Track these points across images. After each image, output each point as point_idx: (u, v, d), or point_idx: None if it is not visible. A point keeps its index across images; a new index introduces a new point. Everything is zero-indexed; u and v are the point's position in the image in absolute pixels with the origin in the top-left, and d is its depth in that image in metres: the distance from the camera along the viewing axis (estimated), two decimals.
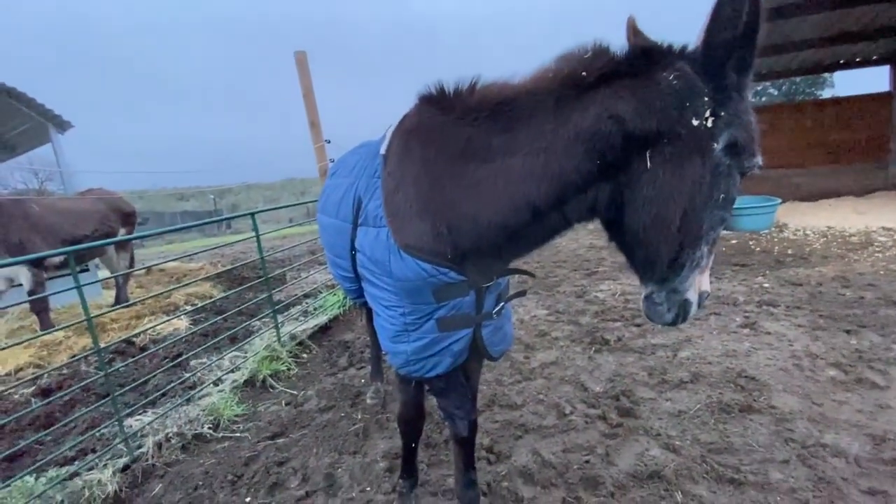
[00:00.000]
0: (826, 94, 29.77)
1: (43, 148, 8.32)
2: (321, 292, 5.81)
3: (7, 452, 2.71)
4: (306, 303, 5.59)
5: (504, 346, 1.88)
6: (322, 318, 4.94)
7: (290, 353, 4.16)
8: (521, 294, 1.92)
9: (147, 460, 2.76)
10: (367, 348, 4.22)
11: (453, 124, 1.45)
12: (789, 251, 6.16)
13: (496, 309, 1.73)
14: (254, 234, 4.22)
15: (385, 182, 1.62)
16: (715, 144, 1.14)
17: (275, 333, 4.26)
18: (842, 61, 11.18)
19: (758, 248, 6.49)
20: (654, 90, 1.16)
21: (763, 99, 32.56)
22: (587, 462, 2.40)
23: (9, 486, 2.42)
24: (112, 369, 2.87)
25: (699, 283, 1.30)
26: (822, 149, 10.54)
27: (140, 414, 3.20)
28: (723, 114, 1.12)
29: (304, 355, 4.26)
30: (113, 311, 4.61)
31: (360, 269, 1.78)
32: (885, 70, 10.51)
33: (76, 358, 3.19)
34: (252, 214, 4.14)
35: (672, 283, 1.29)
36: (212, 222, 4.97)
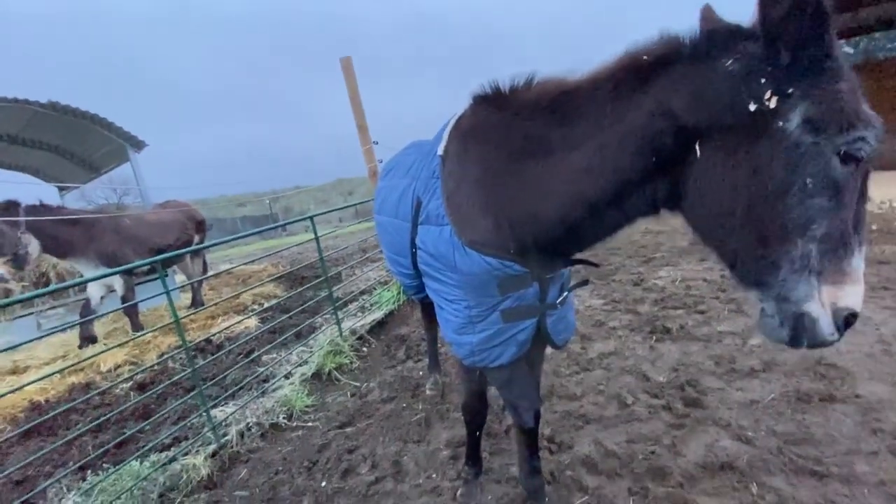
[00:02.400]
0: None
1: (121, 167, 9.15)
2: (376, 289, 6.02)
3: (116, 440, 3.07)
4: (363, 299, 5.81)
5: (567, 335, 1.90)
6: (378, 314, 5.13)
7: (352, 347, 4.36)
8: (584, 283, 1.93)
9: (232, 447, 3.02)
10: (422, 341, 4.35)
11: (511, 121, 1.49)
12: (873, 226, 5.63)
13: (560, 298, 1.76)
14: (311, 236, 4.45)
15: (445, 182, 1.68)
16: (783, 124, 1.04)
17: (336, 329, 4.48)
18: None
19: None
20: (710, 78, 1.11)
21: None
22: (653, 453, 2.36)
23: (119, 469, 2.75)
24: (197, 366, 3.16)
25: (830, 294, 1.07)
26: None
27: (223, 405, 3.50)
28: (791, 90, 1.02)
29: (364, 349, 4.46)
30: (195, 313, 5.04)
31: (422, 265, 1.85)
32: None
33: (165, 356, 3.55)
34: (311, 218, 4.36)
35: (776, 290, 1.12)
36: (273, 228, 5.29)
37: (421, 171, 1.87)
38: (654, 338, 3.59)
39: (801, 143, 1.03)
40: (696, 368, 3.05)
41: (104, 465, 3.00)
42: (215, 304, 5.95)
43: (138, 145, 7.81)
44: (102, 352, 3.59)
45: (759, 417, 2.47)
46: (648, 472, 2.23)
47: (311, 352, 4.24)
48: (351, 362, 4.14)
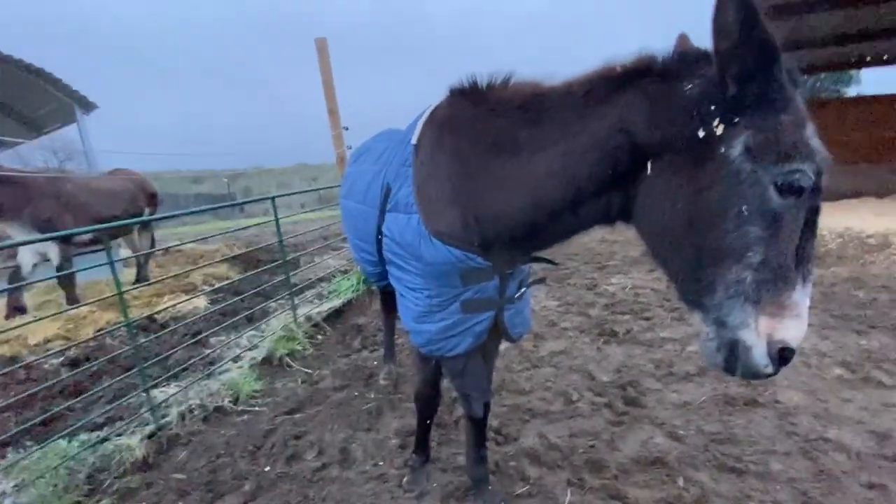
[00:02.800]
0: (852, 91, 28.99)
1: (65, 128, 8.50)
2: (335, 277, 5.93)
3: (41, 417, 2.87)
4: (321, 286, 5.72)
5: (523, 329, 1.96)
6: (336, 302, 5.06)
7: (306, 334, 4.29)
8: (541, 281, 2.00)
9: (171, 429, 2.90)
10: (379, 332, 4.33)
11: (485, 117, 1.52)
12: None
13: (518, 293, 1.81)
14: (269, 218, 4.32)
15: (417, 171, 1.69)
16: (726, 151, 1.06)
17: (290, 314, 4.38)
18: (867, 58, 10.92)
19: None
20: (669, 99, 1.15)
21: None
22: (592, 447, 2.48)
23: (44, 447, 2.58)
24: (139, 343, 3.01)
25: (767, 325, 1.07)
26: (844, 148, 10.31)
27: (164, 386, 3.35)
28: (737, 119, 1.05)
29: (319, 337, 4.39)
30: (137, 288, 4.77)
31: (387, 252, 1.86)
32: None
33: (103, 331, 3.35)
34: (272, 199, 4.24)
35: (714, 313, 1.14)
36: (231, 205, 5.19)
37: (393, 159, 1.88)
38: (602, 340, 3.76)
39: (741, 171, 1.06)
40: (638, 370, 3.23)
41: (27, 443, 2.80)
42: (161, 281, 5.66)
43: (87, 106, 7.27)
44: (31, 322, 3.34)
45: (691, 418, 2.65)
46: (587, 464, 2.34)
47: (262, 336, 4.13)
48: (304, 349, 4.06)
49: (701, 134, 1.10)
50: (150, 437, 2.79)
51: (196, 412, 3.08)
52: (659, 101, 1.17)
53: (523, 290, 1.86)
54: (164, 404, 3.08)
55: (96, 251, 6.59)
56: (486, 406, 2.05)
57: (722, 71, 1.05)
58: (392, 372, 3.41)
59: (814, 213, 1.09)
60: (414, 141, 1.75)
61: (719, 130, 1.08)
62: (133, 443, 2.66)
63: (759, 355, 1.09)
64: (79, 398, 3.17)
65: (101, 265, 3.07)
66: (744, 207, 1.06)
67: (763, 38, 1.00)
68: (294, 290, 4.60)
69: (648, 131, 1.19)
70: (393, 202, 1.78)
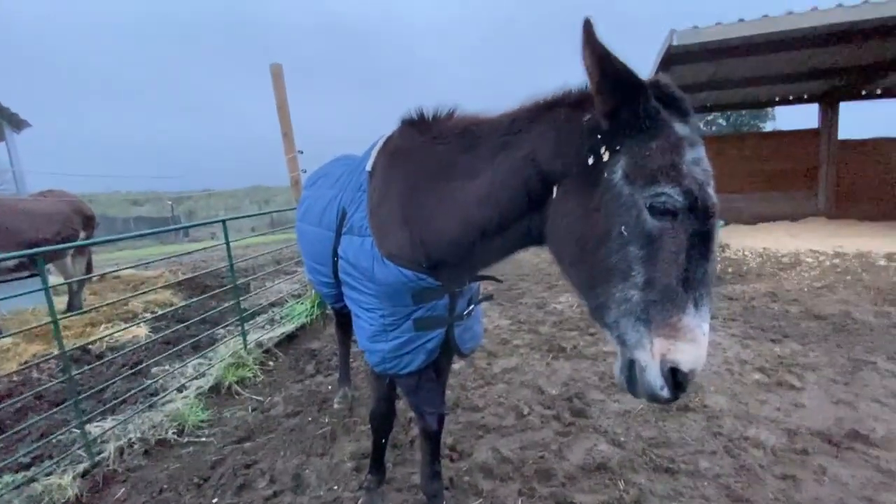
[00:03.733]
0: (769, 126, 32.27)
1: None
2: (287, 301, 5.82)
3: None
4: (273, 311, 5.58)
5: (473, 344, 2.06)
6: (289, 327, 4.97)
7: (257, 360, 4.17)
8: (489, 298, 2.12)
9: (108, 466, 2.73)
10: (334, 356, 4.30)
11: (430, 145, 1.65)
12: (730, 269, 6.71)
13: (467, 310, 1.92)
14: (218, 241, 4.24)
15: (371, 196, 1.80)
16: (608, 176, 1.16)
17: (240, 341, 4.26)
18: (778, 98, 12.33)
19: None
20: (570, 130, 1.26)
21: (713, 129, 34.98)
22: (541, 457, 2.60)
23: None
24: (72, 374, 2.83)
25: (662, 347, 1.09)
26: (761, 177, 11.54)
27: (99, 420, 3.15)
28: (619, 147, 1.15)
29: (271, 363, 4.28)
30: (70, 316, 4.47)
31: (342, 274, 1.93)
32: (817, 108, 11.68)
33: (29, 364, 3.12)
34: (223, 221, 4.17)
35: (615, 332, 1.19)
36: (175, 229, 4.95)
37: (349, 184, 1.97)
38: (551, 356, 3.94)
39: (621, 194, 1.14)
40: (584, 383, 3.42)
41: None
42: (97, 309, 5.32)
43: (18, 124, 6.82)
44: None
45: (630, 425, 2.84)
46: (536, 474, 2.45)
47: (210, 364, 3.99)
48: (255, 376, 3.96)
49: (591, 160, 1.20)
50: (83, 475, 2.62)
51: (136, 446, 2.92)
52: (562, 131, 1.29)
53: (472, 307, 1.97)
54: (99, 439, 2.90)
55: (21, 278, 6.10)
56: (441, 420, 2.13)
57: (598, 106, 1.15)
58: (347, 395, 3.40)
59: (702, 238, 1.10)
60: (369, 167, 1.86)
61: (605, 157, 1.18)
62: (64, 482, 2.49)
63: (653, 376, 1.11)
64: (1, 437, 2.91)
65: (31, 292, 2.91)
66: (623, 228, 1.13)
67: (621, 76, 1.09)
68: (244, 315, 4.48)
69: (552, 160, 1.30)
70: (348, 225, 1.87)
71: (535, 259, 7.70)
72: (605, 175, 1.17)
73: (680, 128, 1.13)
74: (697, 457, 2.51)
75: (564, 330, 4.52)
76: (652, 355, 1.11)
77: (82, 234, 6.06)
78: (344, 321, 3.40)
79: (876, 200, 10.94)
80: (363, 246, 1.77)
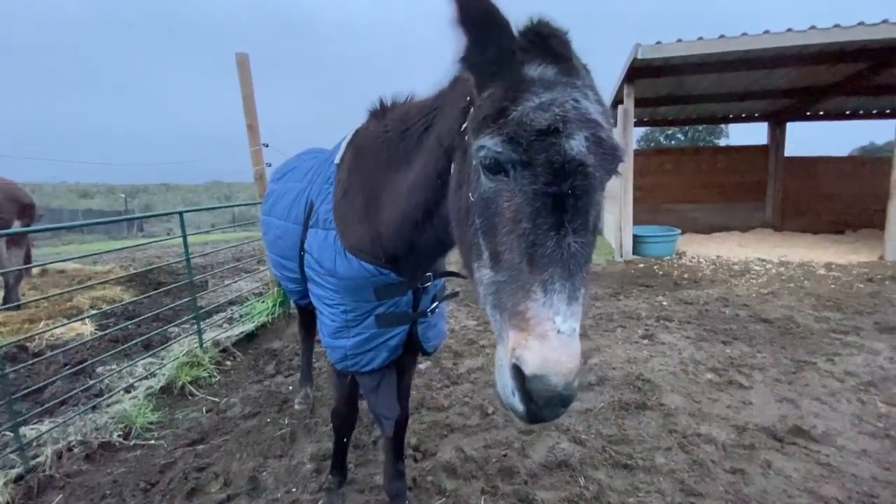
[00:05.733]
0: (723, 142, 34.17)
1: None
2: (248, 300, 5.61)
3: None
4: (231, 310, 5.37)
5: (437, 342, 2.03)
6: (248, 326, 4.79)
7: (213, 360, 4.00)
8: (454, 295, 2.10)
9: (44, 471, 2.53)
10: (295, 356, 4.18)
11: (382, 136, 1.61)
12: (685, 275, 7.01)
13: (431, 307, 1.90)
14: (173, 235, 4.04)
15: (336, 189, 1.76)
16: (468, 138, 1.04)
17: (195, 339, 4.07)
18: (731, 115, 13.05)
19: (660, 272, 7.31)
20: (459, 97, 1.18)
21: (672, 142, 36.65)
22: (505, 456, 2.61)
23: None
24: (8, 371, 2.61)
25: (514, 340, 0.87)
26: (715, 189, 12.16)
27: (35, 422, 2.93)
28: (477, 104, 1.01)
29: (228, 362, 4.12)
30: (4, 309, 4.13)
31: (307, 269, 1.87)
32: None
33: None
34: (180, 214, 3.97)
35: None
36: (128, 219, 4.73)
37: (317, 177, 1.92)
38: None
39: (466, 155, 1.05)
40: None
41: None
42: (36, 304, 4.96)
43: None
44: None
45: (591, 423, 2.90)
46: (499, 472, 2.46)
47: (161, 363, 3.78)
48: (210, 376, 3.79)
49: (463, 125, 1.09)
50: (16, 480, 2.42)
51: (76, 450, 2.72)
52: (455, 100, 1.21)
53: (436, 304, 1.95)
54: (35, 443, 2.69)
55: None
56: (404, 422, 2.09)
57: (459, 49, 0.99)
58: (308, 396, 3.30)
59: (552, 201, 0.87)
60: (337, 160, 1.82)
61: (461, 128, 1.09)
62: None
63: (503, 377, 0.90)
64: None
65: None
66: (470, 193, 1.01)
67: (480, 8, 0.93)
68: (200, 312, 4.29)
69: (447, 134, 1.23)
70: (315, 218, 1.82)
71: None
72: (466, 137, 1.04)
73: (533, 69, 0.93)
74: (654, 453, 2.59)
75: None
76: (506, 350, 0.89)
77: (17, 224, 5.63)
78: (307, 320, 3.31)
79: (816, 214, 11.74)
80: (326, 239, 1.73)
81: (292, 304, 5.39)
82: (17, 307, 4.45)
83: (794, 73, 8.82)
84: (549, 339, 0.82)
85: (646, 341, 4.24)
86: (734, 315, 4.96)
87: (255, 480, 2.50)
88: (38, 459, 2.57)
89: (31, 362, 3.65)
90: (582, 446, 2.66)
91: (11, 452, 2.54)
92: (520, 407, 0.88)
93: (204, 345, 4.07)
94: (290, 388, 3.59)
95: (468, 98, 1.08)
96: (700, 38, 7.15)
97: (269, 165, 4.94)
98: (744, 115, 12.85)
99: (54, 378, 3.40)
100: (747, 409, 3.03)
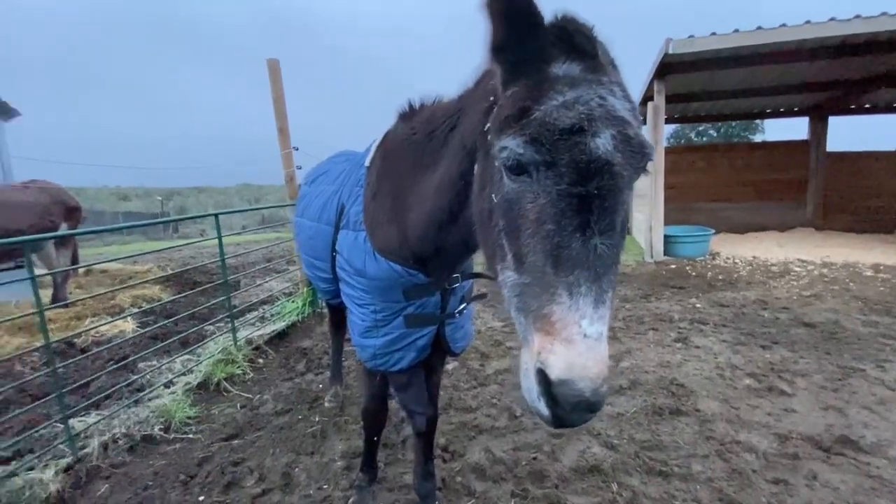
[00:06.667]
0: (758, 138, 32.83)
1: None
2: (278, 299, 5.75)
3: None
4: (263, 309, 5.51)
5: (464, 343, 2.04)
6: (280, 325, 4.90)
7: (246, 357, 4.11)
8: (482, 297, 2.10)
9: (91, 461, 2.66)
10: (325, 354, 4.25)
11: (409, 137, 1.63)
12: (720, 276, 6.77)
13: (459, 309, 1.90)
14: (205, 237, 4.18)
15: (365, 191, 1.79)
16: (490, 138, 1.01)
17: (230, 337, 4.20)
18: (769, 110, 12.52)
19: (693, 273, 7.09)
20: (483, 95, 1.15)
21: (704, 139, 35.49)
22: (534, 458, 2.58)
23: None
24: (59, 366, 2.76)
25: (539, 343, 0.86)
26: (752, 187, 11.69)
27: (83, 415, 3.07)
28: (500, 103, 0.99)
29: (261, 360, 4.22)
30: (55, 307, 4.36)
31: (339, 269, 1.91)
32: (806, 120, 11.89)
33: (11, 357, 3.04)
34: (215, 216, 4.11)
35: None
36: (167, 221, 4.91)
37: (348, 179, 1.96)
38: None
39: (488, 156, 1.02)
40: None
41: None
42: (82, 302, 5.21)
43: (8, 113, 6.68)
44: None
45: (623, 427, 2.84)
46: (529, 475, 2.44)
47: (198, 360, 3.91)
48: (244, 373, 3.89)
49: (487, 125, 1.05)
50: (66, 470, 2.54)
51: (121, 442, 2.85)
52: (480, 99, 1.18)
53: (464, 305, 1.95)
54: (83, 434, 2.83)
55: (4, 269, 5.96)
56: (433, 420, 2.10)
57: (487, 45, 0.97)
58: (338, 394, 3.36)
59: (578, 202, 0.85)
60: (367, 163, 1.85)
61: (484, 127, 1.07)
62: (46, 477, 2.42)
63: (529, 381, 0.89)
64: None
65: (14, 282, 2.83)
66: (493, 195, 0.99)
67: (514, 3, 0.90)
68: (234, 311, 4.42)
69: (471, 135, 1.20)
70: (346, 219, 1.86)
71: None
72: (489, 138, 1.01)
73: (557, 67, 0.91)
74: (690, 460, 2.51)
75: None
76: (531, 354, 0.88)
77: (64, 226, 5.93)
78: (337, 319, 3.36)
79: (861, 212, 11.13)
80: (357, 240, 1.76)
81: (320, 304, 5.50)
82: (65, 305, 4.68)
83: (835, 65, 8.38)
84: (575, 343, 0.81)
85: (679, 345, 4.12)
86: (774, 318, 4.75)
87: (288, 476, 2.56)
88: (85, 450, 2.70)
89: (78, 358, 3.83)
90: (614, 451, 2.61)
91: (61, 443, 2.67)
92: (545, 411, 0.87)
93: (237, 342, 4.19)
94: (321, 385, 3.66)
95: (491, 97, 1.07)
96: (736, 31, 6.89)
97: (300, 168, 5.05)
98: (782, 110, 12.29)
99: (99, 373, 3.56)
100: (790, 417, 2.90)
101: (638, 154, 0.89)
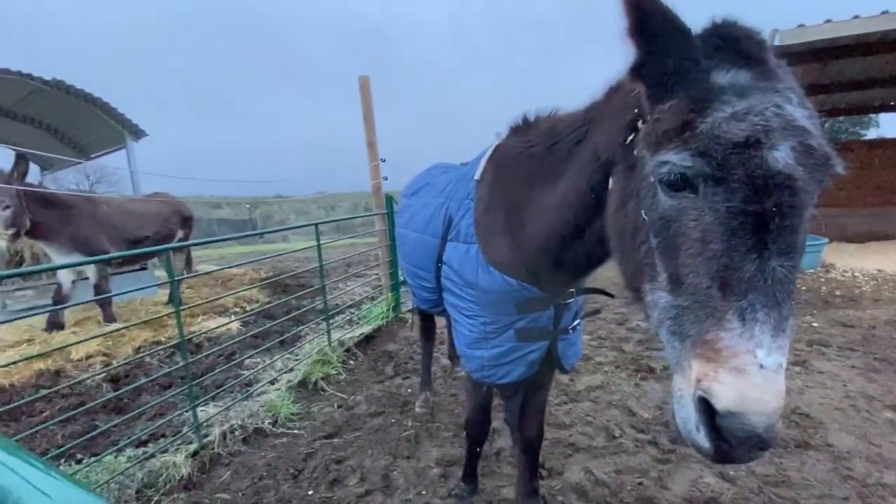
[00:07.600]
0: (871, 134, 28.93)
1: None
2: (364, 304, 6.01)
3: (91, 434, 2.92)
4: (350, 312, 5.79)
5: (575, 360, 1.99)
6: (366, 328, 5.11)
7: (339, 358, 4.33)
8: (596, 312, 2.03)
9: (213, 449, 2.93)
10: (410, 359, 4.37)
11: (525, 151, 1.62)
12: (837, 292, 6.02)
13: (573, 324, 1.85)
14: (288, 246, 4.46)
15: (477, 205, 1.81)
16: (637, 153, 0.99)
17: (324, 338, 4.45)
18: (893, 103, 11.00)
19: (804, 287, 6.36)
20: (620, 108, 1.12)
21: None
22: (640, 484, 2.44)
23: (97, 461, 2.63)
24: (191, 360, 3.08)
25: (699, 370, 0.81)
26: (870, 189, 10.29)
27: (204, 406, 3.40)
28: (650, 116, 0.94)
29: (351, 362, 4.42)
30: (187, 308, 4.90)
31: (444, 280, 1.94)
32: None
33: (143, 350, 3.43)
34: (315, 225, 4.39)
35: (664, 346, 0.95)
36: (271, 232, 5.32)
37: (455, 193, 1.99)
38: (640, 376, 3.72)
39: (641, 172, 0.96)
40: None
41: (77, 456, 2.86)
42: (198, 304, 5.80)
43: (137, 133, 7.69)
44: (79, 342, 3.45)
45: None
46: (637, 502, 2.30)
47: (297, 359, 4.19)
48: (338, 373, 4.10)
49: (630, 138, 1.02)
50: (193, 455, 2.83)
51: (237, 432, 3.11)
52: (616, 112, 1.15)
53: (578, 321, 1.90)
54: (205, 424, 3.13)
55: (132, 271, 6.83)
56: (539, 438, 2.07)
57: (631, 59, 0.93)
58: (429, 400, 3.42)
59: (752, 221, 0.79)
60: (477, 177, 1.87)
61: (629, 140, 1.03)
62: (178, 460, 2.70)
63: (687, 409, 0.84)
64: (122, 415, 3.23)
65: (153, 285, 3.20)
66: (643, 212, 0.94)
67: (659, 16, 0.86)
68: (328, 314, 4.68)
69: (607, 147, 1.17)
70: (455, 232, 1.89)
71: (609, 272, 7.35)
72: (636, 151, 0.98)
73: (722, 76, 0.85)
74: (825, 501, 2.24)
75: (651, 349, 4.26)
76: (688, 381, 0.84)
77: (180, 233, 6.68)
78: (427, 325, 3.44)
79: None
80: (468, 253, 1.77)
81: (402, 309, 5.67)
82: (187, 307, 5.25)
83: None
84: (748, 373, 0.76)
85: (798, 368, 3.70)
86: None
87: (387, 478, 2.63)
88: (207, 438, 2.99)
89: (200, 355, 4.25)
90: (731, 484, 2.39)
91: (189, 431, 2.98)
92: (705, 444, 0.82)
93: (331, 343, 4.42)
94: (409, 390, 3.75)
95: (635, 110, 1.02)
96: (856, 17, 6.15)
97: (386, 179, 5.26)
98: None
99: (214, 368, 3.93)
100: None
101: (822, 166, 0.81)
